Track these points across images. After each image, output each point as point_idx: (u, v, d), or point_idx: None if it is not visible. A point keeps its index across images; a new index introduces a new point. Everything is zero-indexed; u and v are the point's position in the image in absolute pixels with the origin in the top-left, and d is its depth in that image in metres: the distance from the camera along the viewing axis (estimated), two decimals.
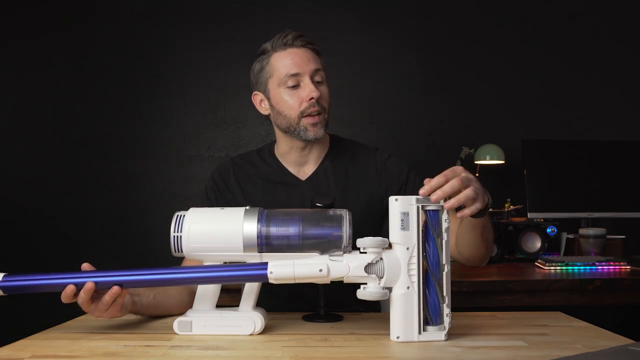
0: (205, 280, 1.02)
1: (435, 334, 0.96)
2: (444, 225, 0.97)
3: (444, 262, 0.97)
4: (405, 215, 0.95)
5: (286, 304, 1.30)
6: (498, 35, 2.65)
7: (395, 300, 0.95)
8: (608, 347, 0.88)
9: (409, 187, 1.38)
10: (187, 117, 2.64)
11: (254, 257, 1.01)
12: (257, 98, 1.41)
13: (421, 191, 0.95)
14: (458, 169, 1.00)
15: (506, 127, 2.60)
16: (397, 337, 0.95)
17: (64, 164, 2.60)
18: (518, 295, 1.77)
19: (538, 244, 2.23)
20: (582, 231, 2.21)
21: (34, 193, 2.59)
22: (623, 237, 2.28)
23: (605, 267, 1.96)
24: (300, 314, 1.19)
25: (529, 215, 2.28)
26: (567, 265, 1.96)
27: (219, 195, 1.41)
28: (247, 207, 1.04)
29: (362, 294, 0.95)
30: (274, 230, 1.00)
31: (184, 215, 1.03)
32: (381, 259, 0.95)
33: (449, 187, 0.95)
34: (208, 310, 1.04)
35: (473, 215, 1.03)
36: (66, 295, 0.99)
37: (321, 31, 2.47)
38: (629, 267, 1.97)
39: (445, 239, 0.97)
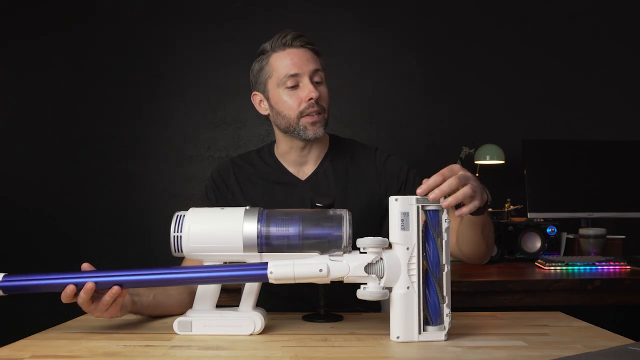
0: (205, 280, 1.02)
1: (435, 334, 0.96)
2: (444, 225, 0.97)
3: (444, 262, 0.97)
4: (405, 215, 0.95)
5: (286, 304, 1.30)
6: (498, 35, 2.65)
7: (395, 300, 0.95)
8: (608, 347, 0.88)
9: (409, 186, 1.38)
10: (187, 117, 2.64)
11: (254, 257, 1.01)
12: (257, 98, 1.41)
13: (418, 190, 0.95)
14: (455, 167, 1.00)
15: (506, 127, 2.60)
16: (397, 337, 0.95)
17: (64, 164, 2.60)
18: (518, 295, 1.77)
19: (538, 244, 2.23)
20: (582, 231, 2.21)
21: (34, 193, 2.59)
22: (623, 237, 2.28)
23: (605, 267, 1.96)
24: (300, 314, 1.19)
25: (529, 215, 2.28)
26: (567, 265, 1.96)
27: (218, 196, 1.41)
28: (247, 207, 1.04)
29: (362, 294, 0.95)
30: (274, 230, 1.00)
31: (184, 215, 1.03)
32: (381, 259, 0.95)
33: (446, 186, 0.95)
34: (208, 310, 1.04)
35: (472, 213, 1.02)
36: (66, 295, 0.99)
37: (321, 31, 2.48)
38: (629, 267, 1.97)
39: (445, 239, 0.97)
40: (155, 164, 2.62)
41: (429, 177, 0.97)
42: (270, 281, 0.97)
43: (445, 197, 0.96)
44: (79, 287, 0.99)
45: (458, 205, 0.99)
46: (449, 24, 2.66)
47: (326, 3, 2.65)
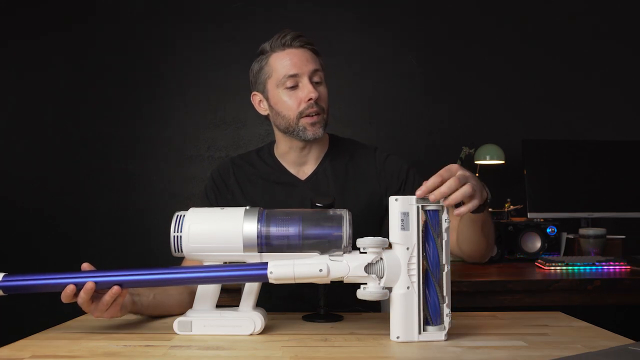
0: (205, 280, 1.02)
1: (435, 334, 0.96)
2: (444, 225, 0.97)
3: (444, 262, 0.97)
4: (405, 215, 0.95)
5: (286, 304, 1.30)
6: (498, 35, 2.65)
7: (395, 300, 0.95)
8: (608, 347, 0.88)
9: (409, 186, 1.38)
10: (187, 117, 2.64)
11: (254, 257, 1.01)
12: (256, 98, 1.41)
13: (418, 192, 0.95)
14: (453, 167, 0.99)
15: (506, 127, 2.60)
16: (397, 337, 0.95)
17: (64, 164, 2.60)
18: (518, 295, 1.76)
19: (538, 244, 2.23)
20: (582, 231, 2.21)
21: (34, 193, 2.59)
22: (623, 237, 2.28)
23: (605, 267, 1.96)
24: (300, 314, 1.19)
25: (529, 215, 2.28)
26: (567, 265, 1.96)
27: (218, 196, 1.41)
28: (247, 207, 1.04)
29: (362, 294, 0.95)
30: (274, 230, 1.00)
31: (184, 215, 1.03)
32: (381, 259, 0.95)
33: (446, 187, 0.95)
34: (208, 310, 1.04)
35: (472, 211, 1.02)
36: (66, 295, 0.99)
37: (321, 31, 2.48)
38: (629, 267, 1.97)
39: (445, 239, 0.97)
40: (155, 164, 2.62)
41: (428, 177, 0.97)
42: (270, 281, 0.97)
43: (445, 197, 0.96)
44: (79, 287, 0.99)
45: (458, 205, 0.99)
46: (449, 24, 2.66)
47: (326, 3, 2.65)
